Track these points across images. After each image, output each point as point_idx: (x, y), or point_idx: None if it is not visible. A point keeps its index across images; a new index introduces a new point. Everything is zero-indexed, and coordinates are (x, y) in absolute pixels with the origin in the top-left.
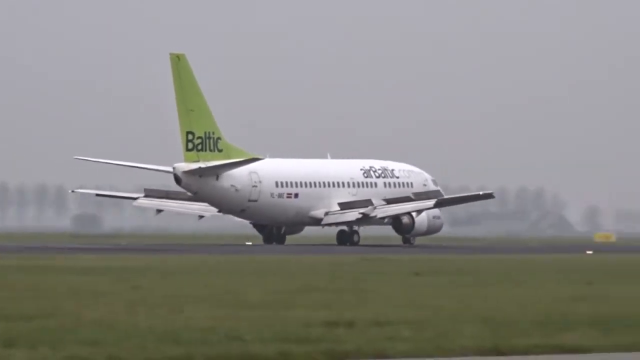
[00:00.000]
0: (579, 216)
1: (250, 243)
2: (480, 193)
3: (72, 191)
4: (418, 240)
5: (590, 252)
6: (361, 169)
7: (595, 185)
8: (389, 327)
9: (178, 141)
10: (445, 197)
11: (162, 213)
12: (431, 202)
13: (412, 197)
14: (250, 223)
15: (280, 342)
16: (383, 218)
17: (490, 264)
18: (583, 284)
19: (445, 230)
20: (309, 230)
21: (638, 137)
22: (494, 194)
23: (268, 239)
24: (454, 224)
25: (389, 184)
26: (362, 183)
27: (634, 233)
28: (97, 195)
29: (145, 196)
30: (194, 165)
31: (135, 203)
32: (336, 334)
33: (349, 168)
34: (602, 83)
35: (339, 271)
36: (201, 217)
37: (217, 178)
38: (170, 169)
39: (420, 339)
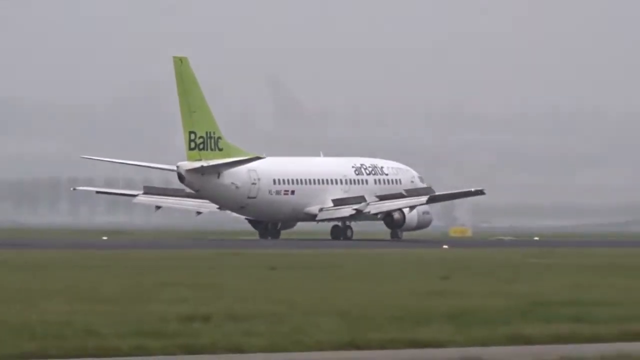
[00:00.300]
0: (435, 210)
1: (105, 238)
2: (472, 190)
3: (74, 189)
4: (407, 235)
5: (446, 246)
6: (352, 167)
7: (451, 179)
8: (245, 322)
9: (177, 140)
10: (437, 193)
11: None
12: (424, 198)
13: (404, 193)
14: (246, 219)
15: (137, 337)
16: (376, 214)
17: (347, 258)
18: (439, 279)
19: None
20: (306, 225)
21: (488, 129)
22: (484, 191)
23: (263, 234)
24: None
25: (379, 180)
26: (354, 180)
27: (490, 227)
28: (98, 192)
29: (145, 193)
30: (197, 164)
31: (135, 200)
32: (192, 328)
33: (341, 166)
34: None
35: (196, 266)
36: (199, 213)
37: (219, 176)
38: (174, 168)
39: (276, 334)
